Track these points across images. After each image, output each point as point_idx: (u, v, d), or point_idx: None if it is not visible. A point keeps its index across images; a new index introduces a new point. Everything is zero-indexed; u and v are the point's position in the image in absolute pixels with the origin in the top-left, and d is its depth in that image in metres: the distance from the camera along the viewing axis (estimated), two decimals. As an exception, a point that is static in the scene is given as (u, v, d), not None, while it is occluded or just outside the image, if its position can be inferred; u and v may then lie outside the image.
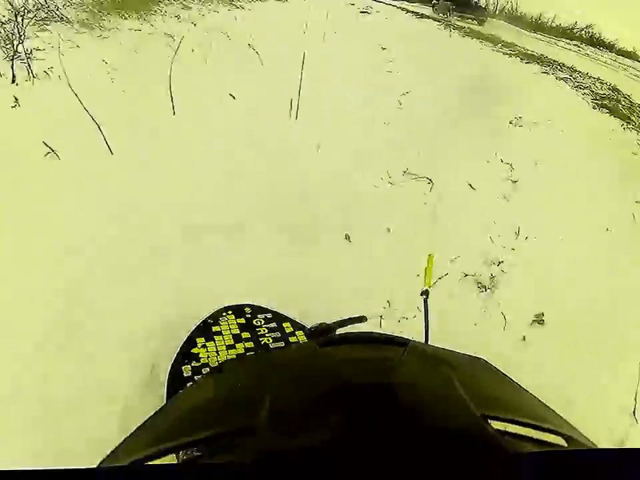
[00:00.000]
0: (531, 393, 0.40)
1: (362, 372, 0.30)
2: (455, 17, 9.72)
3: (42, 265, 1.60)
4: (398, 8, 9.45)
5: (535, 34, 10.12)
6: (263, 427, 0.23)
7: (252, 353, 1.09)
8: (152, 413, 0.34)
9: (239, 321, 1.20)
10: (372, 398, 0.26)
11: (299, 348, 0.43)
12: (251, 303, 1.27)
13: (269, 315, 1.24)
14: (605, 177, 3.04)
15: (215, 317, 1.21)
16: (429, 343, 0.87)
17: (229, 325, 1.19)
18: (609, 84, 6.12)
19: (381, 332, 0.56)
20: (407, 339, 0.44)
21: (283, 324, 1.21)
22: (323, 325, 0.69)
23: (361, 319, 0.79)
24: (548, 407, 0.35)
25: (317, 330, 0.68)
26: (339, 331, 0.71)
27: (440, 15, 10.05)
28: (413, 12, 9.55)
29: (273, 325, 1.21)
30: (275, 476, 0.21)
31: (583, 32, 10.90)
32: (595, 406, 1.48)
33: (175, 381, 1.02)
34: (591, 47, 9.93)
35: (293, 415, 0.24)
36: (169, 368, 1.08)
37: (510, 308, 1.88)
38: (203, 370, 1.05)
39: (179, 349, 1.13)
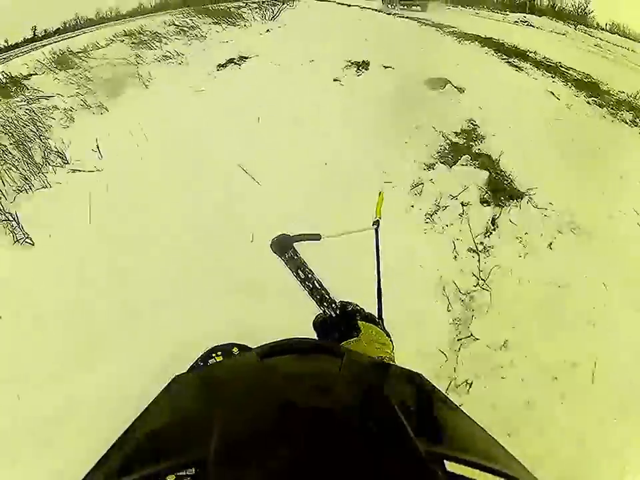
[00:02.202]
0: (475, 422, 0.38)
1: (304, 391, 0.32)
2: (399, 7, 9.75)
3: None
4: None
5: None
6: (213, 460, 0.24)
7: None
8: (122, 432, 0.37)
9: (229, 364, 1.40)
10: (315, 427, 0.27)
11: (243, 360, 0.45)
12: (237, 342, 1.46)
13: None
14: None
15: (205, 360, 1.42)
16: (381, 278, 0.88)
17: None
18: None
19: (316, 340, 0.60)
20: (345, 349, 0.47)
21: None
22: (281, 236, 0.70)
23: (317, 237, 0.82)
24: (495, 439, 0.34)
25: (276, 242, 0.68)
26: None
27: (388, 6, 10.10)
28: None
29: None
30: None
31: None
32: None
33: None
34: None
35: (240, 446, 0.26)
36: None
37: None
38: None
39: None
